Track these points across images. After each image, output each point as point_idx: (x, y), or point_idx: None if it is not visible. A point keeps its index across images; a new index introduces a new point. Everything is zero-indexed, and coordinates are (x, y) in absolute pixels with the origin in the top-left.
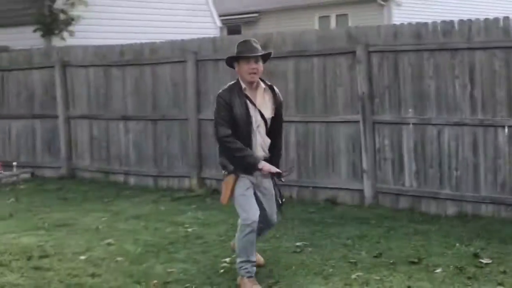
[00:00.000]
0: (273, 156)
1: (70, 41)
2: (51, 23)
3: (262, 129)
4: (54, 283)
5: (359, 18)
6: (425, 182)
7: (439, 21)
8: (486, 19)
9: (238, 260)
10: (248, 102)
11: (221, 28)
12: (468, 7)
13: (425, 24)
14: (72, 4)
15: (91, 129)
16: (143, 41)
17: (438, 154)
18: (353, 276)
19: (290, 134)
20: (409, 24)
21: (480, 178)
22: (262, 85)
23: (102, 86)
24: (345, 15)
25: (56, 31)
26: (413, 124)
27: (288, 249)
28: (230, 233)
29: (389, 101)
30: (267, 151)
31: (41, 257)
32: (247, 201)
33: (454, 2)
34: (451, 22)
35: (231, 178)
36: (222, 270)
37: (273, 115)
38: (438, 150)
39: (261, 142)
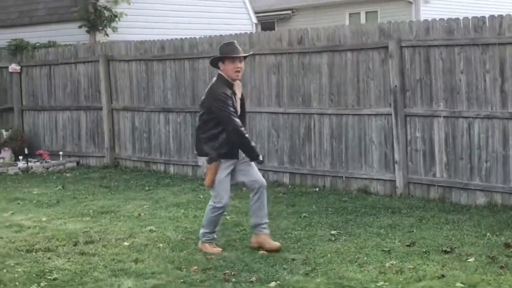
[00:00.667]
0: None
1: (112, 36)
2: (95, 20)
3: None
4: (99, 268)
5: (388, 15)
6: (455, 173)
7: (470, 17)
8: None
9: (203, 230)
10: (234, 96)
11: (256, 25)
12: (497, 3)
13: (457, 19)
14: (116, 2)
15: (133, 121)
16: (181, 37)
17: (468, 146)
18: (387, 265)
19: (324, 126)
20: (441, 19)
21: (509, 170)
22: (239, 81)
23: (143, 79)
24: (375, 12)
25: (100, 28)
26: (444, 117)
27: (323, 237)
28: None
29: (420, 95)
30: None
31: (86, 242)
32: (224, 187)
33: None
34: (483, 18)
35: (213, 165)
36: (259, 257)
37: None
38: (468, 142)
39: None
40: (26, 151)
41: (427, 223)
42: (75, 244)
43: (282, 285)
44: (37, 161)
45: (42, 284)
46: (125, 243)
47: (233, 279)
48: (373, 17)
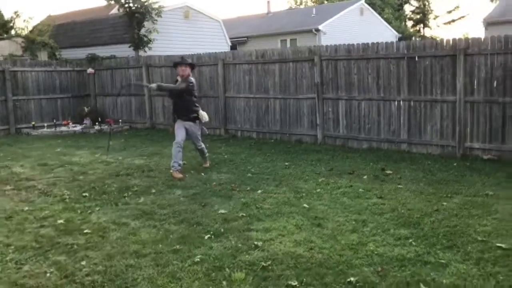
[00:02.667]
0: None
1: (148, 52)
2: (138, 43)
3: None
4: (159, 184)
5: (303, 41)
6: (351, 130)
7: (360, 43)
8: (386, 42)
9: (172, 161)
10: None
11: (230, 46)
12: (362, 32)
13: (353, 44)
14: (150, 32)
15: (164, 102)
16: (189, 53)
17: (358, 115)
18: (320, 180)
19: (276, 105)
20: (344, 44)
21: (381, 128)
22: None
23: (168, 77)
24: (295, 39)
25: (141, 47)
26: (345, 99)
27: (281, 166)
28: (248, 158)
29: (331, 87)
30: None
31: (148, 170)
32: (178, 131)
33: (356, 31)
34: (367, 43)
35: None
36: (249, 175)
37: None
38: (358, 113)
39: None
40: (99, 119)
41: (337, 158)
42: (143, 171)
43: (265, 191)
44: (105, 126)
45: (129, 193)
46: (170, 171)
47: (237, 189)
48: (294, 42)
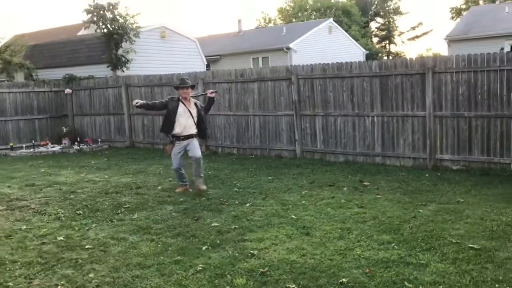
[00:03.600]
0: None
1: (126, 72)
2: (116, 63)
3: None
4: (150, 201)
5: (275, 59)
6: (328, 145)
7: (335, 62)
8: (360, 61)
9: (176, 181)
10: (186, 107)
11: (205, 65)
12: (331, 49)
13: (328, 64)
14: (127, 52)
15: (143, 120)
16: (166, 73)
17: (334, 130)
18: (303, 192)
19: (256, 122)
20: (320, 64)
21: (356, 143)
22: (192, 100)
23: (148, 97)
24: (267, 57)
25: (119, 67)
26: (321, 115)
27: (265, 180)
28: (232, 173)
29: (308, 104)
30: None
31: (137, 188)
32: (177, 156)
33: (326, 48)
34: (341, 62)
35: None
36: (235, 189)
37: (197, 113)
38: (334, 128)
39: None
40: (78, 139)
41: (316, 171)
42: (131, 189)
43: (253, 205)
44: (84, 145)
45: (122, 209)
46: (159, 187)
47: (226, 203)
48: (266, 60)
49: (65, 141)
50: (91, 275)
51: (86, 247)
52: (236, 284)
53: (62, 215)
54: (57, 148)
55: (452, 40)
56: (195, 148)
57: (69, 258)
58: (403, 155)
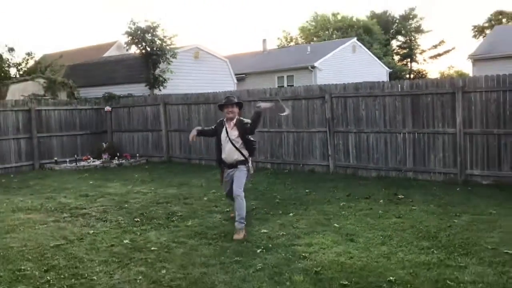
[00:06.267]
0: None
1: (163, 91)
2: (153, 82)
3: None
4: (199, 210)
5: (300, 77)
6: (361, 160)
7: (367, 81)
8: (392, 81)
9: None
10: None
11: (235, 83)
12: (355, 68)
13: (361, 83)
14: (164, 72)
15: (181, 137)
16: (199, 91)
17: (367, 146)
18: (341, 204)
19: (290, 138)
20: (352, 83)
21: (388, 159)
22: (234, 120)
23: (185, 115)
24: (292, 76)
25: (156, 86)
26: (354, 132)
27: (303, 193)
28: (270, 186)
29: (342, 121)
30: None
31: (184, 198)
32: (224, 183)
33: (350, 67)
34: (374, 82)
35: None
36: (276, 201)
37: (240, 135)
38: (367, 145)
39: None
40: (117, 154)
41: (351, 185)
42: (179, 199)
43: (296, 214)
44: (123, 160)
45: (175, 217)
46: (205, 198)
47: (271, 213)
48: (291, 79)
49: (105, 156)
50: (163, 271)
51: (152, 249)
52: (294, 280)
53: (122, 222)
54: (98, 162)
55: (477, 60)
56: (235, 181)
57: (139, 258)
58: (434, 170)
